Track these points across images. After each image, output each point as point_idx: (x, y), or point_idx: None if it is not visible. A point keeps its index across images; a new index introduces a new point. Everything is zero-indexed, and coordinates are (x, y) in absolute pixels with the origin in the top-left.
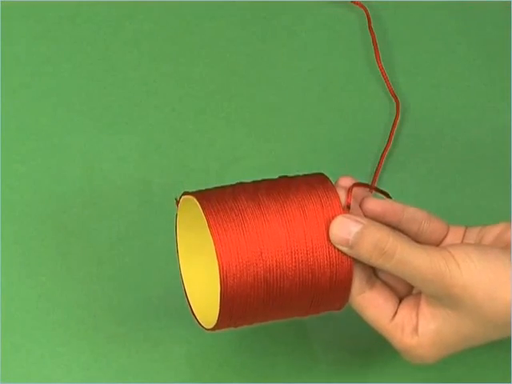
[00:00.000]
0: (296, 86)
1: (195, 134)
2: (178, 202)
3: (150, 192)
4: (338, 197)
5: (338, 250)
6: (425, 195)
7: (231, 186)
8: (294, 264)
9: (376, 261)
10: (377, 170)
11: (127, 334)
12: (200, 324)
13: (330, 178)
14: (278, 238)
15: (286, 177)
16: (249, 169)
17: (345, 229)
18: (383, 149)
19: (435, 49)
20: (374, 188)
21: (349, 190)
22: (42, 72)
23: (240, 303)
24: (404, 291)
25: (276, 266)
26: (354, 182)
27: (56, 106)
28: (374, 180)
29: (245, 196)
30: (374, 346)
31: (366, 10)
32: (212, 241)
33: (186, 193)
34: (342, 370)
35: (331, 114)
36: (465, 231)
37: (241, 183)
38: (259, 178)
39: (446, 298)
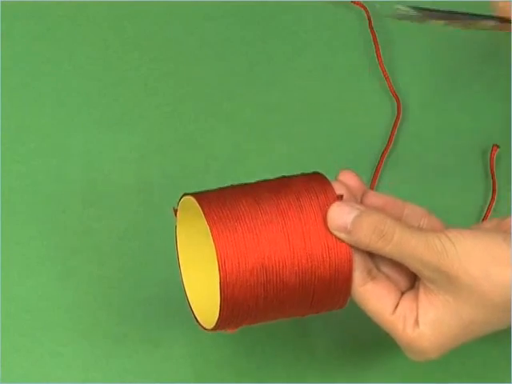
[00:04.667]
0: (296, 85)
1: (195, 134)
2: (175, 212)
3: (150, 192)
4: (332, 188)
5: (336, 237)
6: (425, 195)
7: (225, 186)
8: (291, 251)
9: (375, 244)
10: (377, 169)
11: (127, 334)
12: (202, 326)
13: (330, 178)
14: (275, 226)
15: (282, 176)
16: (249, 169)
17: (343, 214)
18: (383, 149)
19: (435, 49)
20: None
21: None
22: (42, 72)
23: (240, 291)
24: (405, 285)
25: (274, 253)
26: (353, 176)
27: (56, 106)
28: (373, 180)
29: (240, 190)
30: (374, 347)
31: (366, 10)
32: (210, 233)
33: (182, 196)
34: (342, 371)
35: (331, 113)
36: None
37: (236, 184)
38: (258, 179)
39: (443, 280)
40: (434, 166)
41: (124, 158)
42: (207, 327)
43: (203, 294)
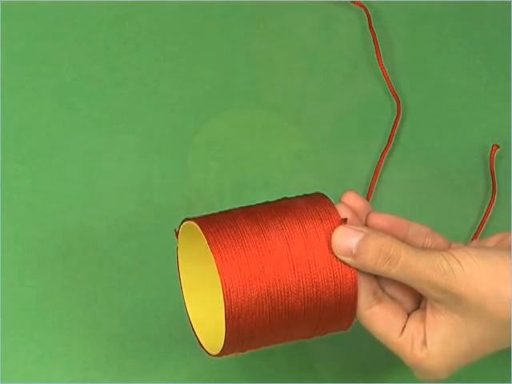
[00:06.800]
0: (296, 85)
1: (195, 134)
2: (177, 234)
3: (150, 192)
4: (336, 211)
5: (341, 262)
6: (425, 195)
7: (228, 210)
8: (296, 278)
9: (381, 267)
10: (377, 169)
11: (127, 334)
12: (206, 351)
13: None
14: (279, 253)
15: (284, 198)
16: (249, 169)
17: (347, 239)
18: (383, 148)
19: (435, 49)
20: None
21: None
22: (42, 72)
23: (246, 320)
24: (411, 306)
25: (279, 280)
26: (357, 198)
27: (56, 106)
28: (373, 180)
29: (243, 215)
30: (374, 348)
31: (366, 10)
32: (214, 261)
33: (183, 221)
34: (341, 370)
35: (331, 113)
36: (464, 245)
37: (239, 207)
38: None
39: (451, 300)
40: (433, 166)
41: (124, 157)
42: (211, 352)
43: (207, 317)
